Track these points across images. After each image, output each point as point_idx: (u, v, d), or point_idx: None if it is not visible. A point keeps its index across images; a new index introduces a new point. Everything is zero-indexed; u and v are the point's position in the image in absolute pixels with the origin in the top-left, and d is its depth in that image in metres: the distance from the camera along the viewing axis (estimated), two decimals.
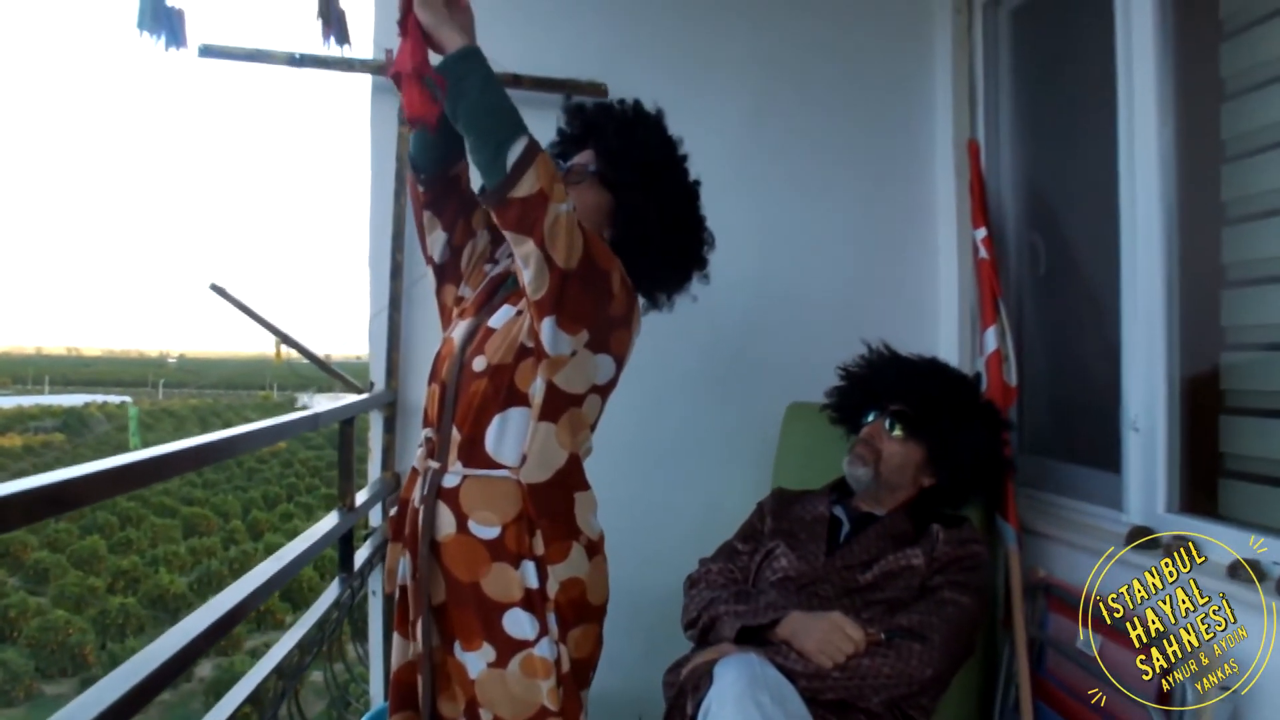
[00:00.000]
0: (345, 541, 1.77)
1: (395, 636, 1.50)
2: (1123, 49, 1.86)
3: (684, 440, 2.30)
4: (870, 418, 1.80)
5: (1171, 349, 1.74)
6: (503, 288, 1.53)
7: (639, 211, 1.50)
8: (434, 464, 1.43)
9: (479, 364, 1.40)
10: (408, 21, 1.65)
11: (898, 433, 1.74)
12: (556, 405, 1.40)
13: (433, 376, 1.49)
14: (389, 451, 2.21)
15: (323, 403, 2.00)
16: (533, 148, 1.30)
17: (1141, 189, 1.79)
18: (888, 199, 2.49)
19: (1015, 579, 1.91)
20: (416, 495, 1.44)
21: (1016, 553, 1.93)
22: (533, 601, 1.37)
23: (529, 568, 1.37)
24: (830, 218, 2.44)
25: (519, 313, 1.41)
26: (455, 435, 1.41)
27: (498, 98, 1.33)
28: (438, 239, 1.56)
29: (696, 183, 1.60)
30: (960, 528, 1.67)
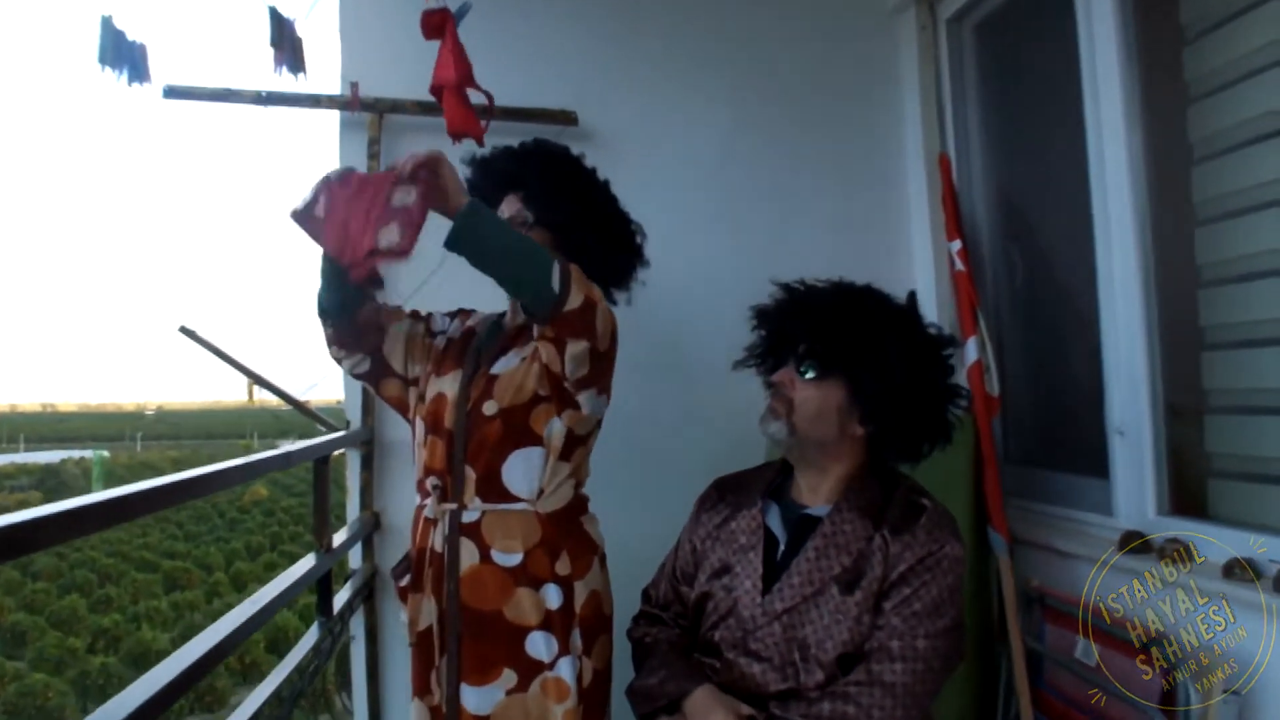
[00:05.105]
0: (324, 584, 1.72)
1: (415, 702, 1.57)
2: (1086, 58, 1.89)
3: (665, 472, 2.17)
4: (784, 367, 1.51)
5: (1152, 352, 1.74)
6: (481, 340, 1.65)
7: (582, 240, 1.61)
8: (450, 505, 1.53)
9: (490, 408, 1.53)
10: (446, 31, 1.62)
11: (810, 375, 1.45)
12: (571, 446, 1.56)
13: (432, 429, 1.58)
14: (367, 490, 2.17)
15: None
16: (564, 265, 1.42)
17: (1113, 195, 1.81)
18: (861, 215, 2.50)
19: (1009, 590, 1.89)
20: (437, 539, 1.53)
21: (1009, 563, 1.91)
22: (553, 622, 1.50)
23: (551, 590, 1.51)
24: (804, 235, 2.44)
25: (524, 360, 1.54)
26: (470, 474, 1.53)
27: (514, 235, 1.43)
28: (360, 362, 1.65)
29: (607, 182, 1.72)
30: (913, 528, 1.39)
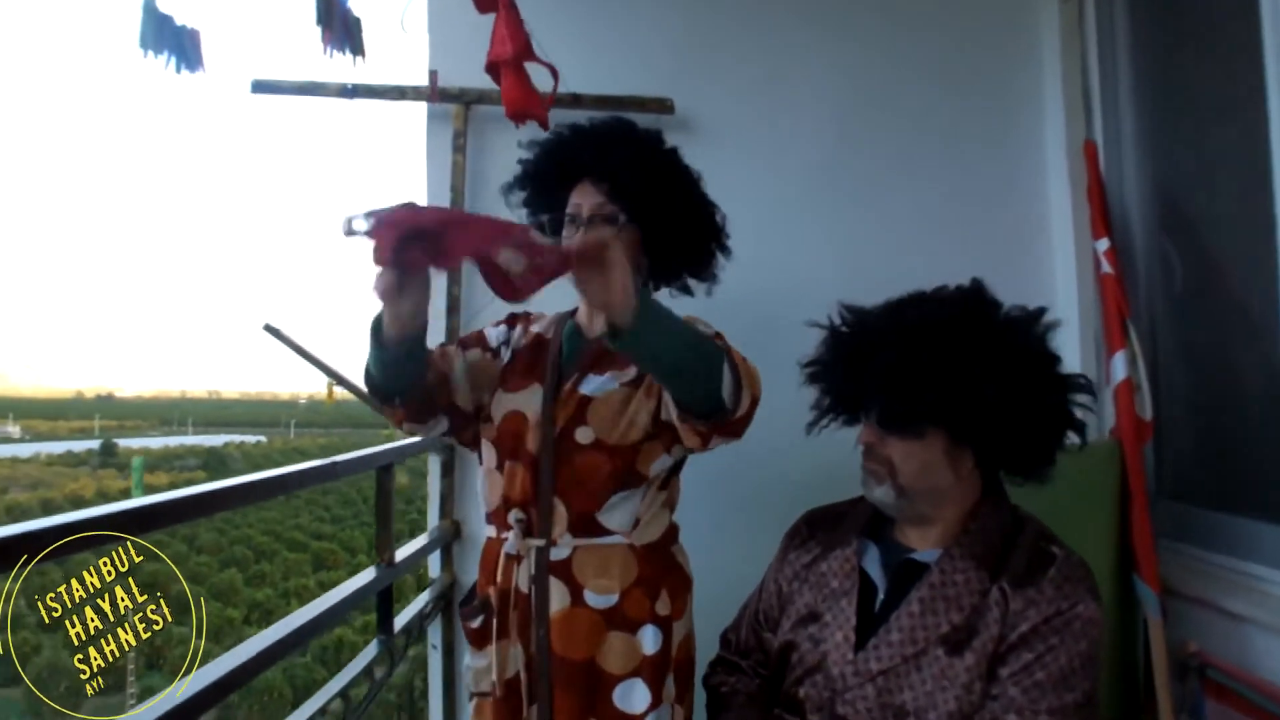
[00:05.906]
0: (384, 599, 1.64)
1: None
2: (1270, 25, 1.58)
3: (748, 502, 1.99)
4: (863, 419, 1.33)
5: None
6: (561, 349, 1.48)
7: (671, 235, 1.46)
8: (537, 542, 1.38)
9: (584, 435, 1.37)
10: (500, 2, 1.50)
11: (898, 433, 1.26)
12: (672, 473, 1.46)
13: (510, 454, 1.42)
14: (448, 497, 2.09)
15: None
16: (735, 367, 1.23)
17: None
18: (994, 214, 2.22)
19: (1160, 656, 1.61)
20: (521, 578, 1.39)
21: (1160, 623, 1.63)
22: (647, 669, 1.36)
23: (648, 633, 1.37)
24: (927, 241, 2.17)
25: (625, 387, 1.39)
26: (560, 508, 1.38)
27: (684, 342, 1.18)
28: (436, 424, 1.44)
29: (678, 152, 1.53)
30: (1039, 581, 1.19)
